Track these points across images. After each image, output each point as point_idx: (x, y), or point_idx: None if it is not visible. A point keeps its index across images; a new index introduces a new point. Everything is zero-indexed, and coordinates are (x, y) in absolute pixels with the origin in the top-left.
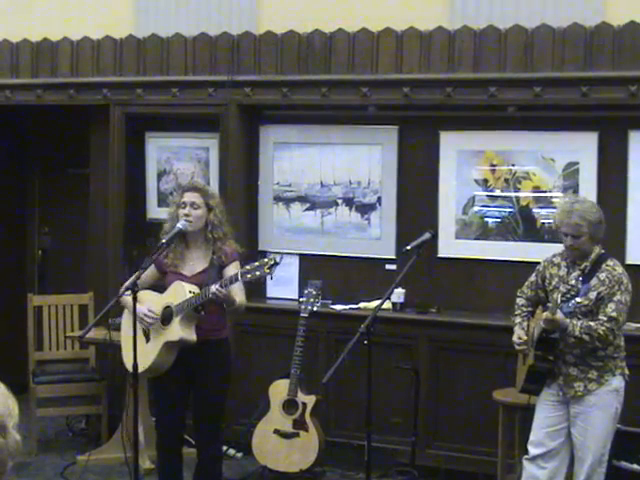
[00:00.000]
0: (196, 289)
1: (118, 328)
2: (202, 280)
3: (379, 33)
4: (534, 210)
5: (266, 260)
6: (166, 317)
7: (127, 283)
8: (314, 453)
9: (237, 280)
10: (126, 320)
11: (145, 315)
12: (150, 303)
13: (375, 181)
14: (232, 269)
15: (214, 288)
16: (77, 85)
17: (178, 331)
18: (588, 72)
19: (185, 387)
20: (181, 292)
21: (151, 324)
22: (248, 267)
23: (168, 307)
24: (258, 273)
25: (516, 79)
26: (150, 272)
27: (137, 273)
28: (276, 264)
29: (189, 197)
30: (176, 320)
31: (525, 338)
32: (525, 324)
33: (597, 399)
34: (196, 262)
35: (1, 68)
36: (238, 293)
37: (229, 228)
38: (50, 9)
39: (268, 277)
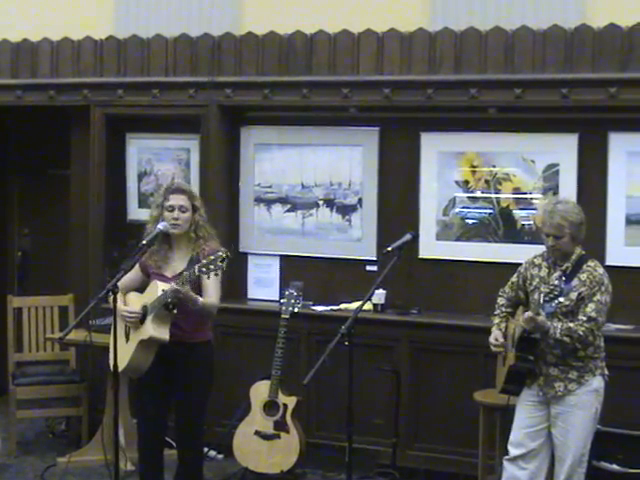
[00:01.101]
0: (167, 287)
1: (98, 330)
2: None
3: (360, 34)
4: (514, 211)
5: (219, 253)
6: (143, 316)
7: (109, 285)
8: (295, 454)
9: (190, 278)
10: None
11: (126, 314)
12: (132, 304)
13: (356, 182)
14: None
15: (171, 286)
16: (57, 86)
17: (149, 329)
18: (568, 74)
19: (167, 389)
20: (155, 291)
21: (132, 322)
22: (204, 261)
23: (145, 306)
24: (212, 267)
25: (497, 81)
26: (135, 275)
27: (118, 275)
28: (227, 257)
29: (176, 200)
30: (149, 319)
31: (502, 340)
32: (503, 325)
33: (577, 399)
34: (178, 262)
35: None
36: (212, 294)
37: (211, 228)
38: (30, 9)
39: (219, 271)
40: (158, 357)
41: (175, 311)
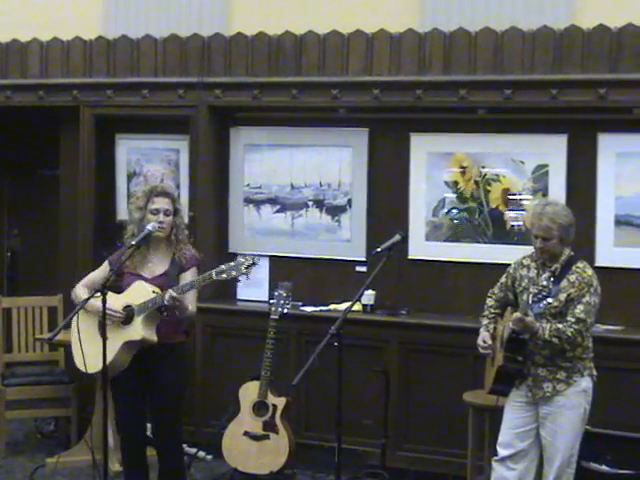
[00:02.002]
0: (158, 290)
1: None
2: (162, 282)
3: (349, 35)
4: (504, 212)
5: (243, 260)
6: (126, 316)
7: (82, 282)
8: (284, 455)
9: (192, 288)
10: (80, 320)
11: (112, 313)
12: (108, 302)
13: (345, 183)
14: (190, 275)
15: (169, 294)
16: (47, 86)
17: (140, 331)
18: (558, 75)
19: (142, 391)
20: (143, 292)
21: (114, 321)
22: (224, 267)
23: (128, 306)
24: (234, 273)
25: (486, 81)
26: (103, 273)
27: (107, 275)
28: (254, 264)
29: (161, 204)
30: (138, 320)
31: (489, 342)
32: (491, 327)
33: (566, 400)
34: (156, 264)
35: None
36: (191, 300)
37: (187, 232)
38: (19, 10)
39: (244, 277)
40: (132, 357)
41: (166, 314)
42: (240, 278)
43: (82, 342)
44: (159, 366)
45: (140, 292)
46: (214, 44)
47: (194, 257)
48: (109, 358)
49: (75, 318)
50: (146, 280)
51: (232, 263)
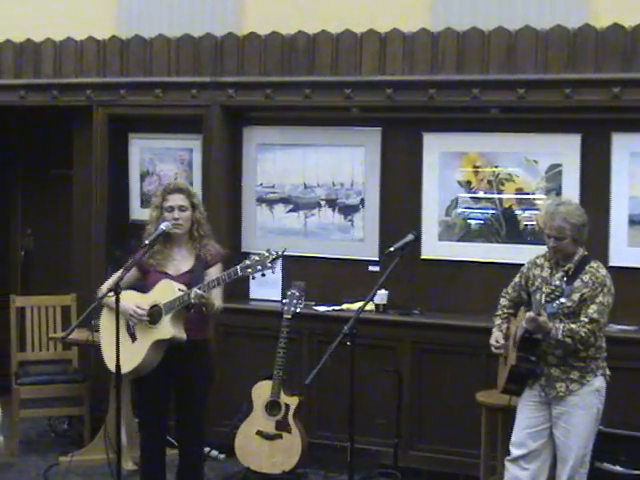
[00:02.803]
0: (184, 287)
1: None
2: (188, 279)
3: (362, 35)
4: (517, 212)
5: (267, 254)
6: (154, 315)
7: (108, 282)
8: (297, 454)
9: (218, 285)
10: (105, 321)
11: (134, 312)
12: (137, 302)
13: (358, 182)
14: (215, 271)
15: (194, 293)
16: (60, 86)
17: (170, 329)
18: (571, 74)
19: (167, 388)
20: (170, 290)
21: (142, 321)
22: (248, 262)
23: (156, 305)
24: (260, 267)
25: (499, 81)
26: (130, 272)
27: (120, 274)
28: (279, 257)
29: (175, 200)
30: (166, 318)
31: (502, 342)
32: (504, 326)
33: (579, 399)
34: (181, 261)
35: None
36: (217, 297)
37: (210, 227)
38: (33, 10)
39: (269, 271)
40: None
41: (193, 310)
42: (265, 273)
43: (108, 344)
44: (186, 363)
45: (166, 290)
46: (227, 44)
47: (219, 253)
48: (139, 358)
49: (106, 319)
50: (172, 278)
51: (257, 258)
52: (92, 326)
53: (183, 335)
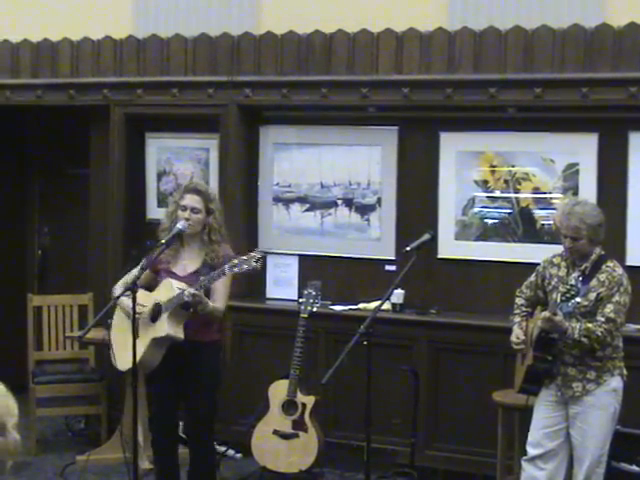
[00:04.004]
0: (184, 286)
1: None
2: (193, 280)
3: (379, 34)
4: (534, 211)
5: (253, 254)
6: (155, 314)
7: (121, 281)
8: (313, 454)
9: (209, 284)
10: (116, 319)
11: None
12: (140, 300)
13: (375, 182)
14: None
15: (188, 291)
16: (77, 85)
17: (165, 327)
18: (588, 73)
19: (176, 388)
20: (169, 289)
21: (145, 319)
22: (235, 261)
23: (157, 304)
24: (246, 266)
25: (516, 80)
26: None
27: (136, 273)
28: (262, 258)
29: (190, 201)
30: (164, 316)
31: (523, 338)
32: (524, 324)
33: (596, 399)
34: (189, 262)
35: (1, 68)
36: (220, 299)
37: (226, 232)
38: (50, 9)
39: (253, 269)
40: (166, 355)
41: (192, 310)
42: (251, 268)
43: (115, 341)
44: (193, 364)
45: (167, 289)
46: (244, 43)
47: (227, 256)
48: (138, 355)
49: (116, 317)
50: (178, 277)
51: (244, 257)
52: (109, 325)
53: (180, 334)
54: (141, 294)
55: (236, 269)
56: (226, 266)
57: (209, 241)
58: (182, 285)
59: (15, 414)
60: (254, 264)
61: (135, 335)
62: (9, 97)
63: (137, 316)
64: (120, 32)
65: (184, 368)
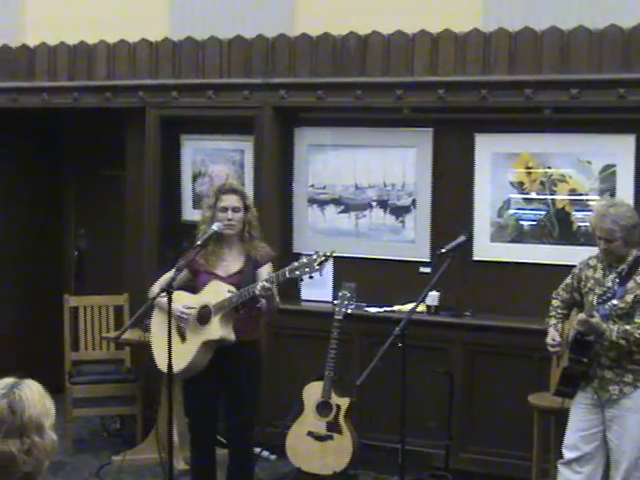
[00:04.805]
0: (233, 289)
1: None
2: (238, 280)
3: (414, 35)
4: (570, 213)
5: (315, 257)
6: (204, 316)
7: (158, 282)
8: (348, 455)
9: (284, 278)
10: (156, 321)
11: (182, 312)
12: (186, 302)
13: (409, 183)
14: (265, 270)
15: (261, 284)
16: (113, 88)
17: (218, 330)
18: (625, 74)
19: (217, 388)
20: (219, 291)
21: (188, 322)
22: (296, 264)
23: (206, 306)
24: (307, 270)
25: (552, 81)
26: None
27: (173, 274)
28: (327, 260)
29: (230, 201)
30: (215, 319)
31: (559, 340)
32: (560, 326)
33: (632, 403)
34: (230, 262)
35: (38, 71)
36: (275, 294)
37: (260, 227)
38: (86, 12)
39: (317, 274)
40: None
41: (242, 311)
42: (313, 275)
43: (157, 344)
44: (236, 364)
45: (216, 291)
46: (278, 45)
47: (269, 253)
48: (188, 359)
49: (155, 319)
50: (221, 278)
51: (305, 260)
52: (144, 326)
53: (232, 336)
54: (184, 296)
55: (297, 272)
56: (286, 269)
57: (249, 238)
58: (231, 287)
59: (52, 414)
60: (316, 268)
61: (170, 335)
62: (46, 100)
63: (185, 317)
64: (156, 35)
65: (226, 369)
